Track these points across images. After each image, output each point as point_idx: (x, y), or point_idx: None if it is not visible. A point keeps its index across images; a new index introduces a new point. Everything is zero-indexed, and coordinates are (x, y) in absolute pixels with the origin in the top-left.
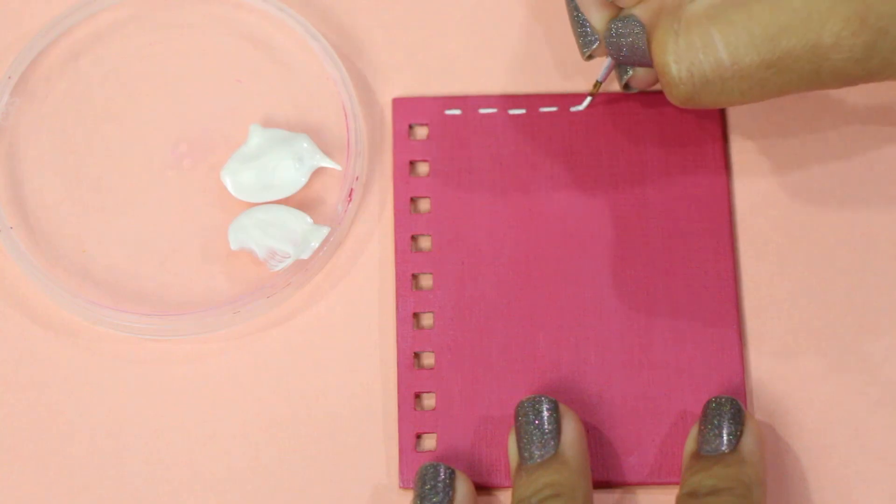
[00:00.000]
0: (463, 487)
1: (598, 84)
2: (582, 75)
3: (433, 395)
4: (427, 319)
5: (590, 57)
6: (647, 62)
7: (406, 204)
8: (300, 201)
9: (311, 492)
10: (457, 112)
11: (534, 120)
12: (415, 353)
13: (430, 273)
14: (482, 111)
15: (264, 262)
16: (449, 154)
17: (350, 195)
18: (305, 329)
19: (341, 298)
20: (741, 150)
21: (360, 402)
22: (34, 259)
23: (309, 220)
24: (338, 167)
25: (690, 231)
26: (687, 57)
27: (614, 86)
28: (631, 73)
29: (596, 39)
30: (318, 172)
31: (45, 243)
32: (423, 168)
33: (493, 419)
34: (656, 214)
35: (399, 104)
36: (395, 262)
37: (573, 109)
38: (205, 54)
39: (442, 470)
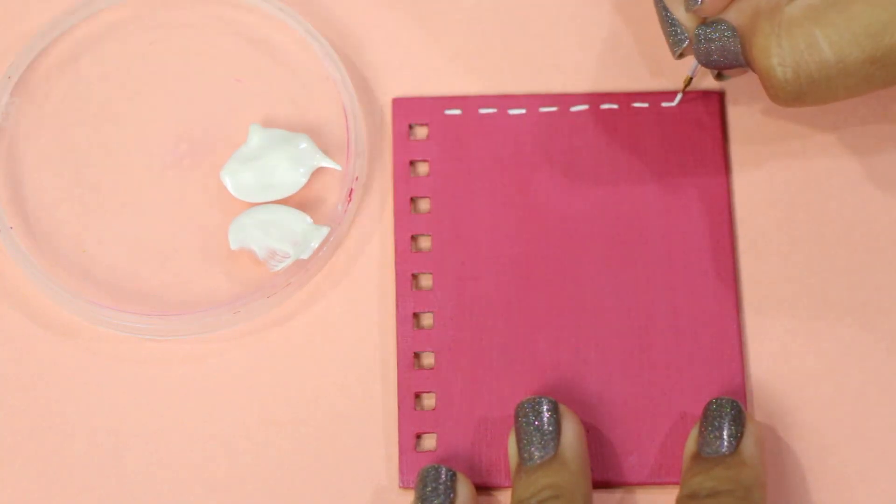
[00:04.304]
0: (464, 490)
1: (689, 80)
2: (580, 75)
3: (433, 395)
4: (427, 319)
5: (681, 55)
6: (738, 65)
7: (406, 204)
8: (300, 201)
9: (311, 492)
10: (457, 112)
11: (534, 120)
12: (415, 353)
13: (430, 273)
14: (482, 111)
15: (264, 262)
16: (449, 154)
17: (350, 195)
18: (305, 329)
19: (341, 298)
20: (741, 151)
21: (360, 402)
22: (34, 259)
23: (309, 220)
24: (338, 167)
25: (690, 231)
26: (792, 58)
27: (612, 86)
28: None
29: (686, 38)
30: (318, 172)
31: (45, 243)
32: (423, 168)
33: (493, 419)
34: (656, 214)
35: (399, 104)
36: (394, 262)
37: (665, 105)
38: (205, 54)
39: (443, 472)
